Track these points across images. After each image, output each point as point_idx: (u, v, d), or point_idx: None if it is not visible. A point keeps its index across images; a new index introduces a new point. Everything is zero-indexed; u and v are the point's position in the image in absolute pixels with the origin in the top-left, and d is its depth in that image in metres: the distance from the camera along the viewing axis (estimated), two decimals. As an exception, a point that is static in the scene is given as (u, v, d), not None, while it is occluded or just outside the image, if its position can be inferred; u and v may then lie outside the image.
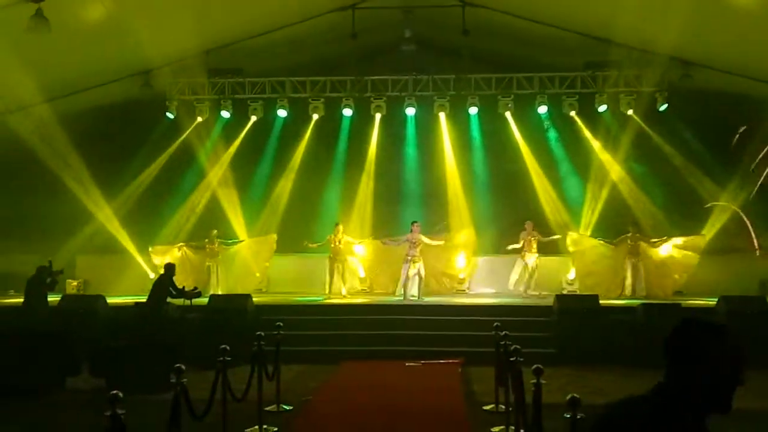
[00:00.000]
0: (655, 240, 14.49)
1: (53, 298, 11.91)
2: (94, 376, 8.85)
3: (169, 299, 10.92)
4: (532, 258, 13.97)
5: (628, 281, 14.05)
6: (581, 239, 14.75)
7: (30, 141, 13.90)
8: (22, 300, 11.54)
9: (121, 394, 3.86)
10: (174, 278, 11.05)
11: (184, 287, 11.02)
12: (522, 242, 14.05)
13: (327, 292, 13.88)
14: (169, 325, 10.62)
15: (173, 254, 14.69)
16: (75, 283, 15.31)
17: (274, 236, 15.26)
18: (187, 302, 10.89)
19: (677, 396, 1.91)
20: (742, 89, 13.99)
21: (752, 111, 14.63)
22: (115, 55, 13.23)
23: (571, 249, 14.65)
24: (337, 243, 14.05)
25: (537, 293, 13.77)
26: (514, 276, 14.28)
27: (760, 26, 11.40)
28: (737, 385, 1.92)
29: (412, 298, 13.27)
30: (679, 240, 14.46)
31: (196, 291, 11.08)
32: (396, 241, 14.07)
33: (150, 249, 15.02)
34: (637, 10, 12.14)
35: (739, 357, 1.93)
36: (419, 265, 13.52)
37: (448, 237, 14.78)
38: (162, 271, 11.45)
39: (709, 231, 15.11)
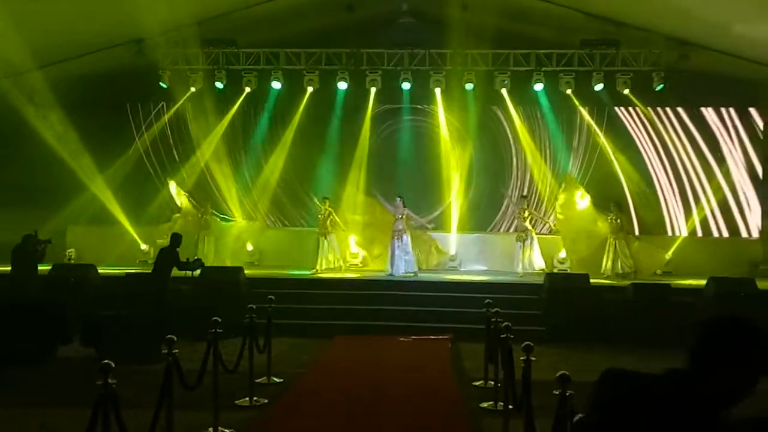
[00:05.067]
0: (633, 237, 14.52)
1: (44, 267, 11.88)
2: (85, 346, 8.87)
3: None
4: (527, 235, 13.95)
5: (610, 258, 14.04)
6: (570, 206, 14.63)
7: (21, 108, 13.75)
8: (9, 269, 11.47)
9: (112, 364, 3.86)
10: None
11: (188, 259, 10.93)
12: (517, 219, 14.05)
13: (316, 268, 13.89)
14: (170, 297, 10.55)
15: (180, 195, 14.84)
16: (69, 252, 15.26)
17: (260, 225, 15.55)
18: (189, 274, 10.85)
19: (697, 386, 1.85)
20: (739, 71, 13.97)
21: (748, 93, 14.67)
22: (109, 23, 13.05)
23: (559, 214, 14.58)
24: (324, 218, 14.07)
25: (528, 271, 13.74)
26: (518, 259, 14.15)
27: (758, 8, 11.34)
28: (752, 391, 1.87)
29: (407, 275, 13.27)
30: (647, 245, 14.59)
31: (198, 261, 11.02)
32: (385, 205, 14.19)
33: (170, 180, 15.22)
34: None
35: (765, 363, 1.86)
36: (406, 240, 13.50)
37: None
38: (156, 240, 11.35)
39: (701, 212, 15.25)
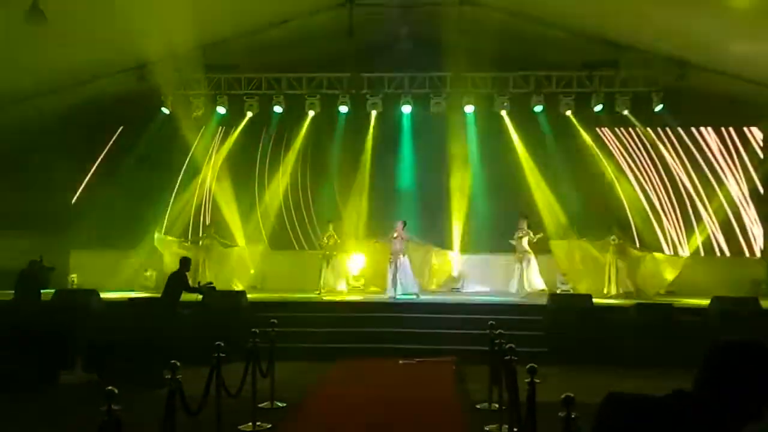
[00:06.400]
0: (636, 250, 14.58)
1: (46, 293, 11.87)
2: (87, 372, 8.85)
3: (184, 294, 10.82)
4: (523, 256, 13.96)
5: (612, 280, 14.08)
6: (564, 243, 14.81)
7: (24, 134, 13.85)
8: (12, 295, 11.46)
9: (116, 390, 3.85)
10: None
11: (199, 282, 10.95)
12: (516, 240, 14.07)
13: (319, 289, 13.91)
14: (179, 321, 10.51)
15: (172, 246, 14.75)
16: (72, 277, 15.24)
17: (262, 248, 15.42)
18: (199, 297, 10.85)
19: (702, 408, 1.84)
20: (738, 90, 14.05)
21: (748, 112, 14.74)
22: (111, 49, 13.18)
23: (555, 252, 14.73)
24: (327, 241, 14.10)
25: (528, 292, 13.69)
26: (515, 280, 14.18)
27: (756, 29, 11.44)
28: (756, 416, 1.84)
29: (408, 295, 13.24)
30: (659, 255, 14.60)
31: (210, 285, 11.02)
32: (387, 240, 14.12)
33: (156, 235, 14.99)
34: (634, 10, 12.19)
35: None
36: (404, 262, 13.50)
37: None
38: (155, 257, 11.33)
39: (703, 232, 15.25)
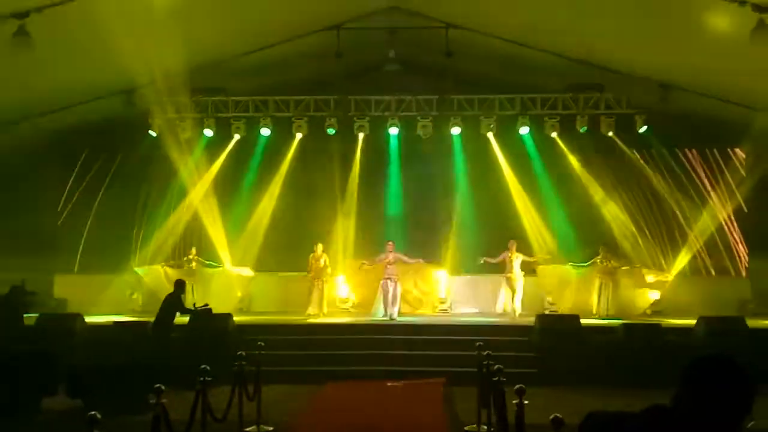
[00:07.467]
0: (624, 268, 14.68)
1: (30, 316, 11.73)
2: (71, 397, 8.71)
3: (178, 316, 10.70)
4: (515, 278, 13.97)
5: (601, 301, 14.15)
6: (550, 269, 14.88)
7: (10, 158, 13.77)
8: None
9: (99, 415, 3.80)
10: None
11: (195, 304, 10.88)
12: (502, 260, 14.08)
13: (307, 312, 13.85)
14: (165, 344, 10.38)
15: (156, 273, 14.65)
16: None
17: (251, 274, 15.31)
18: (186, 319, 10.74)
19: (679, 423, 1.87)
20: (720, 112, 14.25)
21: (731, 134, 14.94)
22: (99, 73, 13.19)
23: (542, 274, 14.80)
24: (316, 263, 14.09)
25: (519, 313, 13.73)
26: (501, 300, 14.23)
27: (737, 51, 11.63)
28: (738, 426, 1.88)
29: (390, 318, 13.23)
30: (647, 276, 14.73)
31: (206, 307, 10.92)
32: (372, 263, 14.08)
33: (136, 269, 14.97)
34: (617, 33, 12.38)
35: (752, 397, 1.89)
36: (396, 286, 13.53)
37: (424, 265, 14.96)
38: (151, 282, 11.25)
39: (688, 252, 15.35)
